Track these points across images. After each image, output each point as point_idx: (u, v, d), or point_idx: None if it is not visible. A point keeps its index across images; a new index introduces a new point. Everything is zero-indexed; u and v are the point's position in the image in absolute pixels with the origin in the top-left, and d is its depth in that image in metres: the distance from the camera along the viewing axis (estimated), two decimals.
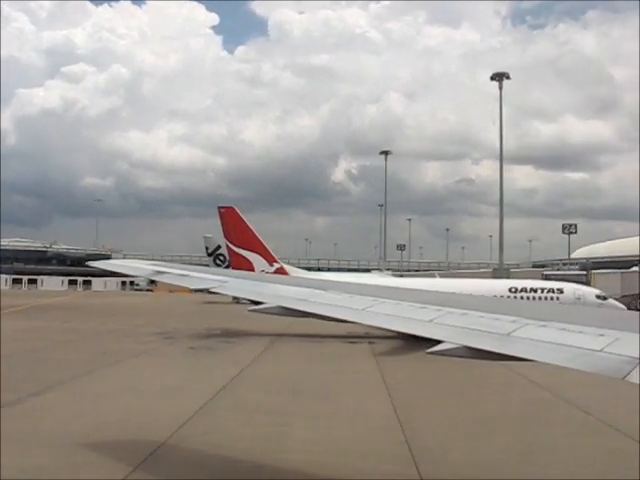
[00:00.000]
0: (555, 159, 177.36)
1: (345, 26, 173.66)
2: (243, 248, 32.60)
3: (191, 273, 8.82)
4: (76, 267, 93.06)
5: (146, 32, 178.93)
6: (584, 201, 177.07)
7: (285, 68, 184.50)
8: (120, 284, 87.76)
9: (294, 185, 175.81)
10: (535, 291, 31.22)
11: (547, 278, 48.84)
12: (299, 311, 6.70)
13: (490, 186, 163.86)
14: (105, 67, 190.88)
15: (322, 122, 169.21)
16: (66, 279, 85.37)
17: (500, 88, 45.08)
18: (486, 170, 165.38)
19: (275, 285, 7.84)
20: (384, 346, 27.39)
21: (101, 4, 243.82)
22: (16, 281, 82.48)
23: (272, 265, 32.09)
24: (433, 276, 46.06)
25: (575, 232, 67.49)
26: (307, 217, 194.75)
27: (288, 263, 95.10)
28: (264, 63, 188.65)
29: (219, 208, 33.93)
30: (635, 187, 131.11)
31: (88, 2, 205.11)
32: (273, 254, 33.34)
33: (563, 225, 67.91)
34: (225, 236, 33.44)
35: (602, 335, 4.70)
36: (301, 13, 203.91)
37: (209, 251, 60.59)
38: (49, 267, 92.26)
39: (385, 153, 78.13)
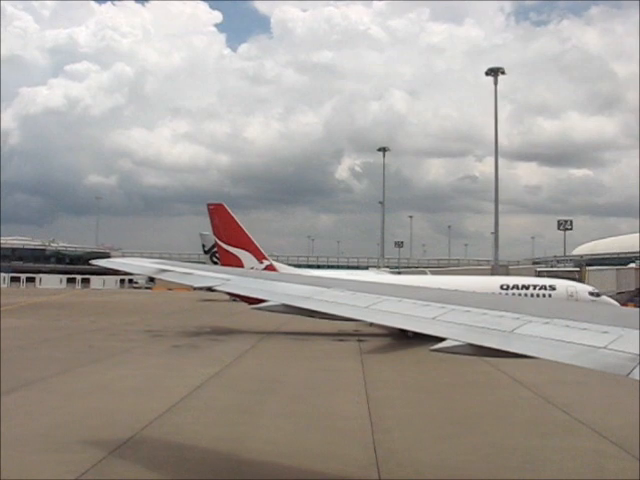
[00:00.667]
0: (559, 156, 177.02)
1: (348, 23, 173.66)
2: (232, 245, 32.28)
3: (194, 271, 8.85)
4: (75, 265, 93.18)
5: (149, 30, 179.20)
6: (588, 198, 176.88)
7: (288, 65, 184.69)
8: (119, 282, 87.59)
9: (297, 183, 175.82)
10: (527, 288, 30.80)
11: (540, 275, 48.36)
12: (302, 309, 6.70)
13: (493, 183, 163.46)
14: (108, 65, 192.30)
15: (325, 119, 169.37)
16: (64, 277, 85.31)
17: (495, 83, 44.51)
18: (489, 167, 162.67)
19: (278, 283, 7.74)
20: (373, 344, 27.13)
21: (104, 2, 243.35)
22: (14, 279, 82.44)
23: (261, 262, 31.79)
24: (424, 273, 45.63)
25: (571, 228, 67.07)
26: (311, 214, 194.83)
27: (288, 261, 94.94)
28: (267, 60, 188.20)
29: (208, 205, 33.59)
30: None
31: (91, 0, 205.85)
32: (262, 251, 33.03)
33: (559, 221, 67.45)
34: (214, 233, 33.11)
35: (606, 332, 4.68)
36: (304, 10, 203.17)
37: (206, 248, 60.23)
38: (47, 265, 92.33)
39: (383, 150, 77.71)
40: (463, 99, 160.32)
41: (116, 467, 9.48)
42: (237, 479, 9.29)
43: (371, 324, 31.91)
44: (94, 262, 12.29)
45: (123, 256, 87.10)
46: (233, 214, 33.39)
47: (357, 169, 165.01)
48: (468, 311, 5.66)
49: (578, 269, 53.62)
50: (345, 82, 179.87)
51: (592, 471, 9.73)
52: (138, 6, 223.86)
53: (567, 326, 4.96)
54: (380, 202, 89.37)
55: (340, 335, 29.88)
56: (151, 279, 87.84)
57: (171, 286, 78.60)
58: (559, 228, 66.24)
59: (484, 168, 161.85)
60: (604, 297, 31.12)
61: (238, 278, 8.28)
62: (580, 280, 41.69)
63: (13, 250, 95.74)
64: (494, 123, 44.86)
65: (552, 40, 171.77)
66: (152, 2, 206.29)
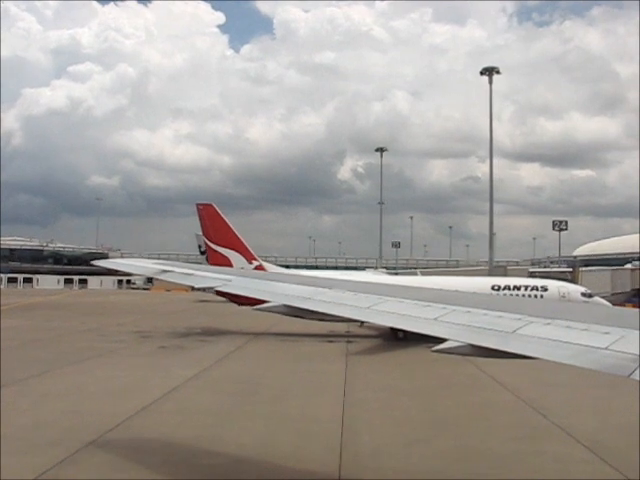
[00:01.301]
0: (561, 156, 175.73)
1: (351, 24, 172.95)
2: (221, 245, 32.11)
3: (195, 272, 8.84)
4: (72, 266, 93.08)
5: (152, 31, 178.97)
6: (591, 198, 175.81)
7: (290, 66, 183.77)
8: (116, 283, 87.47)
9: (300, 183, 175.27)
10: (518, 289, 30.52)
11: (532, 275, 48.05)
12: (303, 309, 6.73)
13: (496, 184, 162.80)
14: (111, 66, 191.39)
15: (328, 120, 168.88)
16: (62, 278, 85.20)
17: (490, 83, 44.35)
18: (493, 168, 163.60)
19: (279, 284, 7.69)
20: (361, 345, 26.92)
21: (107, 3, 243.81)
22: (11, 280, 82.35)
23: (251, 263, 31.60)
24: (415, 274, 45.44)
25: (566, 229, 66.67)
26: (314, 215, 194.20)
27: (285, 262, 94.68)
28: (269, 61, 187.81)
29: (197, 205, 33.44)
30: None
31: (94, 1, 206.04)
32: (252, 252, 32.84)
33: (554, 222, 67.11)
34: (203, 233, 32.95)
35: (607, 333, 4.67)
36: (306, 11, 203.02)
37: (202, 249, 60.05)
38: (45, 266, 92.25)
39: (380, 150, 77.56)
40: (465, 100, 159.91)
41: (73, 469, 9.33)
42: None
43: (361, 325, 31.81)
44: (95, 263, 12.26)
45: (122, 257, 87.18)
46: (223, 214, 33.23)
47: (359, 170, 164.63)
48: (469, 312, 5.65)
49: (571, 270, 53.32)
50: (347, 83, 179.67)
51: (558, 475, 9.53)
52: (141, 7, 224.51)
53: (568, 327, 4.94)
54: (380, 203, 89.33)
55: (330, 336, 29.68)
56: (149, 280, 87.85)
57: (169, 287, 78.59)
58: (554, 228, 65.92)
59: (487, 169, 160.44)
60: (596, 298, 30.80)
61: (239, 279, 8.28)
62: (572, 281, 41.38)
63: (12, 250, 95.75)
64: (489, 122, 44.79)
65: (554, 41, 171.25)
66: (155, 3, 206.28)
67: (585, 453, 10.62)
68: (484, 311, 5.61)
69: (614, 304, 31.39)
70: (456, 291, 9.32)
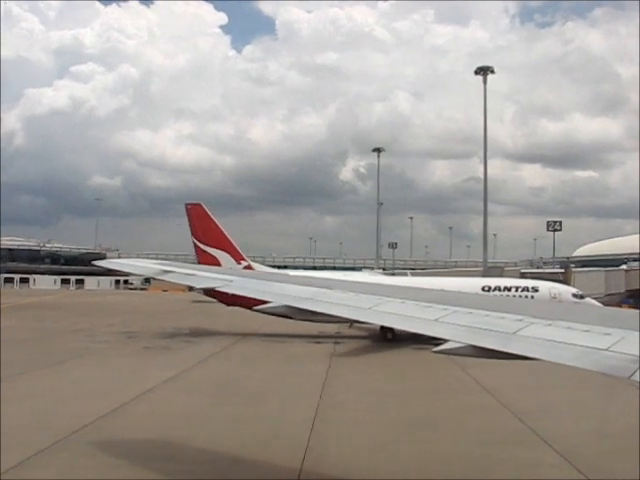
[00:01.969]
0: (563, 157, 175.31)
1: (353, 25, 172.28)
2: (210, 245, 31.88)
3: (197, 272, 8.80)
4: (70, 266, 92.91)
5: (155, 32, 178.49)
6: (593, 199, 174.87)
7: (292, 67, 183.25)
8: (114, 283, 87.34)
9: (302, 184, 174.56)
10: (509, 289, 30.28)
11: (523, 276, 47.78)
12: (305, 310, 6.72)
13: (498, 185, 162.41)
14: (114, 67, 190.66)
15: (329, 121, 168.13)
16: (59, 278, 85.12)
17: (484, 82, 44.13)
18: (494, 169, 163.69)
19: (281, 284, 7.66)
20: (348, 346, 26.70)
21: (109, 4, 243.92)
22: (8, 280, 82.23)
23: (240, 263, 31.38)
24: (405, 274, 45.23)
25: (560, 229, 66.37)
26: (315, 216, 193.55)
27: (283, 262, 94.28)
28: (270, 62, 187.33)
29: (186, 205, 33.20)
30: None
31: (97, 2, 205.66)
32: (241, 252, 32.62)
33: (548, 222, 66.87)
34: (192, 234, 32.72)
35: (608, 334, 4.66)
36: (309, 12, 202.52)
37: None
38: (42, 266, 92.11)
39: (377, 150, 77.30)
40: (467, 100, 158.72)
41: (29, 473, 9.14)
42: None
43: (350, 325, 31.60)
44: (96, 263, 12.13)
45: (119, 257, 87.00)
46: (211, 214, 33.01)
47: (361, 170, 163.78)
48: (470, 313, 5.62)
49: (562, 271, 53.00)
50: (349, 83, 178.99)
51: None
52: (143, 7, 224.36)
53: (569, 328, 4.92)
54: (379, 203, 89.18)
55: (319, 337, 29.45)
56: (146, 280, 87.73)
57: (166, 287, 78.45)
58: (548, 229, 65.72)
59: (489, 170, 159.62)
60: (588, 299, 30.53)
61: (241, 279, 8.25)
62: (564, 282, 41.07)
63: (11, 251, 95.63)
64: (483, 121, 44.58)
65: (556, 42, 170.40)
66: (157, 3, 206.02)
67: (555, 458, 10.37)
68: (485, 312, 5.59)
69: (608, 306, 31.11)
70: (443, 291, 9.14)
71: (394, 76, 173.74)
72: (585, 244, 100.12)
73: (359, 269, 76.72)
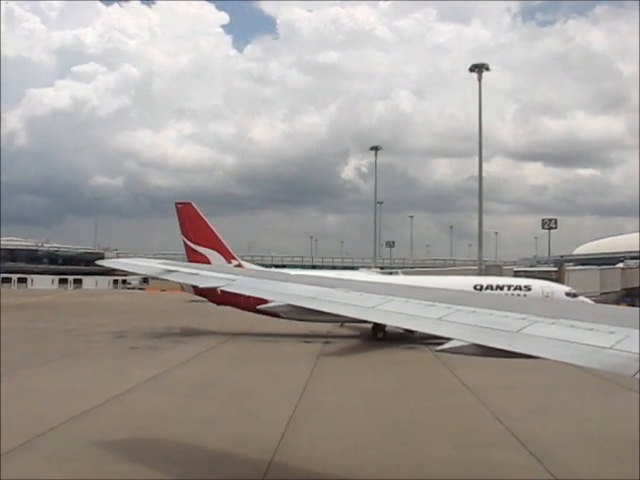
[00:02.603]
0: (565, 155, 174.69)
1: (354, 24, 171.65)
2: (200, 245, 31.71)
3: (200, 272, 8.77)
4: (68, 266, 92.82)
5: (156, 32, 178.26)
6: (595, 198, 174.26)
7: (293, 66, 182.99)
8: (112, 283, 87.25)
9: (304, 183, 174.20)
10: (501, 288, 30.05)
11: (516, 275, 47.49)
12: (307, 309, 6.72)
13: (500, 183, 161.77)
14: (115, 67, 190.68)
15: (330, 120, 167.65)
16: (56, 278, 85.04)
17: (479, 79, 43.85)
18: (496, 167, 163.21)
19: (284, 283, 7.57)
20: (337, 346, 26.48)
21: (111, 4, 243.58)
22: (5, 280, 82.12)
23: (230, 262, 31.16)
24: (397, 274, 45.02)
25: (555, 227, 65.93)
26: (318, 215, 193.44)
27: (282, 262, 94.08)
28: (271, 61, 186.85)
29: (176, 204, 33.05)
30: None
31: (98, 2, 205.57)
32: (231, 251, 32.43)
33: (543, 220, 66.42)
34: (182, 233, 32.54)
35: (612, 332, 4.64)
36: (310, 11, 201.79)
37: None
38: (40, 266, 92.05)
39: (375, 149, 76.93)
40: (469, 99, 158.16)
41: None
42: None
43: (342, 325, 31.40)
44: (99, 262, 11.96)
45: (117, 257, 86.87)
46: (202, 213, 32.83)
47: (363, 169, 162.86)
48: (474, 311, 5.61)
49: (556, 269, 52.65)
50: (350, 82, 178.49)
51: None
52: (144, 7, 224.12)
53: (573, 326, 4.91)
54: (378, 202, 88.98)
55: (309, 336, 29.24)
56: (144, 280, 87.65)
57: (164, 287, 78.30)
58: (543, 227, 65.33)
59: (491, 168, 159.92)
60: (581, 298, 30.23)
61: (244, 278, 8.20)
62: (558, 280, 40.78)
63: (11, 251, 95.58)
64: (478, 118, 44.30)
65: (558, 40, 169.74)
66: (158, 3, 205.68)
67: (527, 459, 10.16)
68: (489, 311, 5.56)
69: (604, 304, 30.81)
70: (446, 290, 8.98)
71: (395, 75, 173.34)
72: (587, 242, 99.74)
73: (356, 268, 76.53)
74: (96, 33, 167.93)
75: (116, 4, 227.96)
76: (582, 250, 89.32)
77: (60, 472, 9.37)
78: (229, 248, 32.57)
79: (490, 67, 43.21)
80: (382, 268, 75.98)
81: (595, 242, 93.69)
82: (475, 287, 29.71)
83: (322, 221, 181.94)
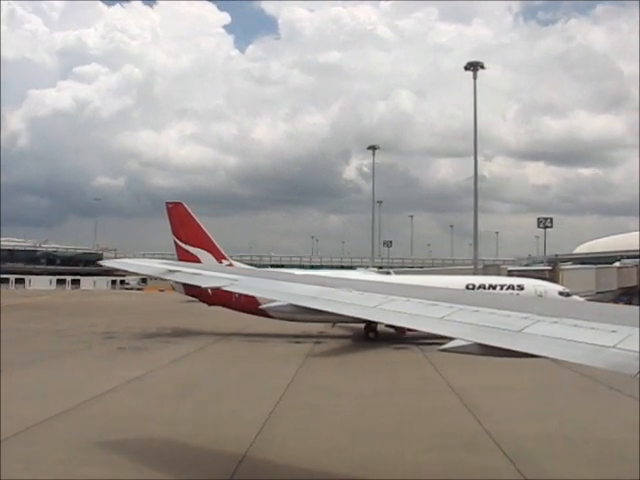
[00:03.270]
0: (567, 155, 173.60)
1: (356, 23, 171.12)
2: (190, 245, 31.55)
3: (203, 272, 8.79)
4: (66, 266, 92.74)
5: (158, 32, 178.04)
6: (597, 197, 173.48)
7: (294, 66, 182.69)
8: (110, 283, 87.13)
9: (306, 183, 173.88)
10: (494, 288, 29.83)
11: (510, 274, 47.27)
12: (310, 309, 6.73)
13: (502, 183, 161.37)
14: (117, 67, 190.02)
15: (332, 120, 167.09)
16: (54, 278, 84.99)
17: (474, 78, 43.66)
18: (498, 167, 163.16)
19: (286, 283, 7.59)
20: (327, 346, 26.28)
21: (113, 4, 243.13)
22: (3, 280, 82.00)
23: (220, 262, 30.98)
24: (388, 273, 44.85)
25: (551, 226, 65.64)
26: (320, 215, 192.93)
27: (280, 261, 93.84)
28: (273, 61, 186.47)
29: (167, 204, 32.91)
30: None
31: (100, 3, 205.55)
32: (222, 251, 32.25)
33: (538, 219, 66.21)
34: (173, 232, 32.38)
35: (615, 332, 4.61)
36: (311, 11, 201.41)
37: None
38: (38, 266, 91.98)
39: (373, 148, 76.80)
40: (470, 98, 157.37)
41: None
42: None
43: (333, 325, 31.18)
44: (102, 263, 11.90)
45: (116, 257, 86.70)
46: (193, 213, 32.66)
47: (365, 169, 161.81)
48: (476, 311, 5.60)
49: (549, 268, 52.39)
50: (352, 82, 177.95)
51: None
52: (146, 8, 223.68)
53: (576, 325, 4.89)
54: (378, 202, 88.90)
55: (301, 337, 29.05)
56: (143, 280, 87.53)
57: (162, 287, 78.18)
58: (539, 226, 65.09)
59: (493, 168, 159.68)
60: (575, 297, 29.98)
61: (246, 278, 8.21)
62: (552, 279, 40.53)
63: (11, 252, 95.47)
64: (474, 117, 44.24)
65: (559, 39, 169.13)
66: (160, 4, 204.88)
67: (500, 461, 9.99)
68: (491, 310, 5.55)
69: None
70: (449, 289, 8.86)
71: (397, 74, 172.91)
72: (587, 242, 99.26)
73: (356, 268, 76.33)
74: (98, 34, 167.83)
75: (118, 5, 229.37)
76: (582, 249, 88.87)
77: (29, 472, 9.26)
78: (220, 248, 32.41)
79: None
80: (380, 268, 75.76)
81: (594, 241, 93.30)
82: (467, 287, 29.46)
83: (324, 221, 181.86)
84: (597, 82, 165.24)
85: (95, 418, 12.81)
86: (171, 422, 12.46)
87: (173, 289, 40.17)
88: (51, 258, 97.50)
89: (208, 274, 8.64)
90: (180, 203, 32.80)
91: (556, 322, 5.01)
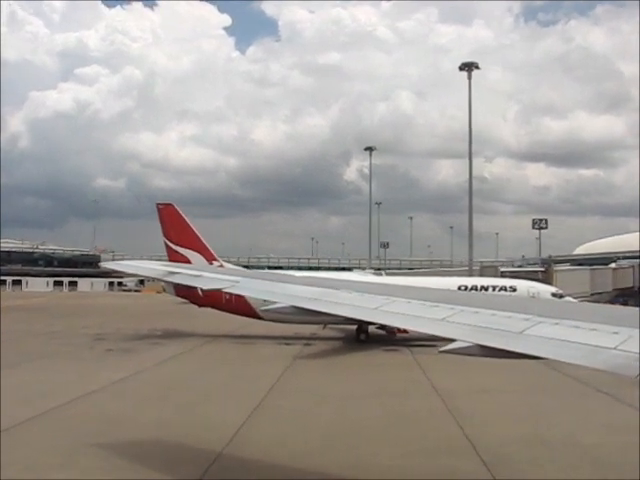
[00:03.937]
0: (567, 156, 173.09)
1: (356, 25, 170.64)
2: (181, 246, 31.41)
3: (204, 273, 8.77)
4: (63, 268, 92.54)
5: (159, 34, 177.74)
6: (598, 198, 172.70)
7: (294, 67, 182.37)
8: (107, 285, 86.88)
9: (306, 185, 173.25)
10: (486, 289, 29.69)
11: (502, 275, 47.11)
12: (311, 310, 6.74)
13: (502, 184, 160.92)
14: (118, 69, 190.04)
15: (332, 121, 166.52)
16: (51, 280, 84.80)
17: (469, 78, 43.54)
18: (499, 168, 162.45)
19: (287, 285, 7.63)
20: (317, 348, 26.16)
21: (113, 6, 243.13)
22: (1, 282, 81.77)
23: (211, 263, 30.85)
24: (380, 274, 44.70)
25: (546, 227, 65.42)
26: (320, 216, 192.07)
27: (278, 263, 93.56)
28: (273, 63, 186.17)
29: (157, 205, 32.79)
30: None
31: (101, 4, 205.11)
32: (213, 252, 32.13)
33: (533, 220, 66.05)
34: (164, 234, 32.25)
35: (616, 333, 4.62)
36: (311, 12, 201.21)
37: None
38: (35, 268, 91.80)
39: (369, 149, 76.68)
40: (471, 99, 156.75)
41: None
42: None
43: (324, 327, 31.03)
44: (103, 264, 11.83)
45: (113, 259, 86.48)
46: (183, 214, 32.54)
47: (365, 171, 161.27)
48: (477, 312, 5.61)
49: (542, 269, 52.22)
50: (352, 83, 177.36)
51: None
52: (147, 9, 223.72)
53: (576, 327, 4.89)
54: (376, 203, 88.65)
55: (291, 338, 28.91)
56: (141, 281, 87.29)
57: (160, 289, 78.01)
58: (534, 227, 64.90)
59: (493, 169, 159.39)
60: (568, 298, 29.82)
61: (247, 280, 8.21)
62: (545, 281, 40.36)
63: (9, 253, 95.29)
64: (468, 117, 44.04)
65: (559, 40, 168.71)
66: (161, 5, 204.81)
67: (474, 465, 9.87)
68: (492, 311, 5.55)
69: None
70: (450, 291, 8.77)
71: (397, 76, 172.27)
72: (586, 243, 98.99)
73: (350, 269, 76.18)
74: (99, 35, 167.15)
75: (118, 6, 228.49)
76: (581, 250, 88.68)
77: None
78: (211, 249, 32.29)
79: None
80: (378, 269, 75.55)
81: (593, 242, 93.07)
82: (459, 288, 29.30)
83: (324, 222, 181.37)
84: (597, 83, 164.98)
85: (72, 421, 12.73)
86: (149, 424, 12.37)
87: (164, 290, 40.02)
88: (49, 260, 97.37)
89: (209, 276, 8.61)
90: (171, 204, 32.68)
91: (557, 323, 5.01)
